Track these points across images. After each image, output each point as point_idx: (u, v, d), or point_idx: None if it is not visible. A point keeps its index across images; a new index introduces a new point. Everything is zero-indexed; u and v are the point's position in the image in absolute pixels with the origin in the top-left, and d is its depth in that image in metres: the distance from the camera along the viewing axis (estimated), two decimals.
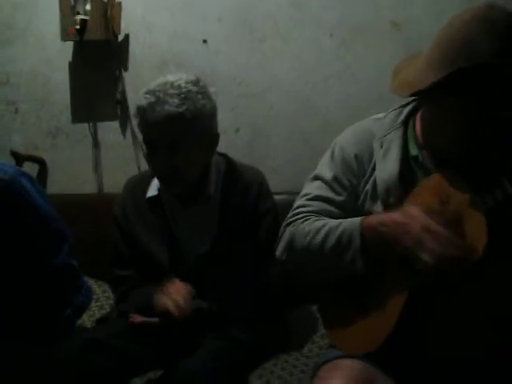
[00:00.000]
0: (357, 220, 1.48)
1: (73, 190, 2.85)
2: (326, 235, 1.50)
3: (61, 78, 2.86)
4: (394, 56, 2.46)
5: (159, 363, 1.89)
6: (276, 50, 2.66)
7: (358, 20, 2.59)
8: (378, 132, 1.58)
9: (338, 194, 1.59)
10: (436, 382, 1.46)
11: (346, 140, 1.62)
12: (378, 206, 1.52)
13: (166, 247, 1.98)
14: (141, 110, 1.85)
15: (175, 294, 1.83)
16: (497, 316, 1.44)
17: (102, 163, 2.89)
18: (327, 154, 1.65)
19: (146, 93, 1.85)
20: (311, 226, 1.55)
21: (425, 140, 1.52)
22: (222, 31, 2.70)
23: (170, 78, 1.88)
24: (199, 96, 1.86)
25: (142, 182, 2.07)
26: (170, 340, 1.88)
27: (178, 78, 1.88)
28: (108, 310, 2.32)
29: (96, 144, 2.88)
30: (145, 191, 2.03)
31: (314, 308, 2.21)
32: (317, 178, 1.64)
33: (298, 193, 1.71)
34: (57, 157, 2.90)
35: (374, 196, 1.54)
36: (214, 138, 1.96)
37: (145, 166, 2.68)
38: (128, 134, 2.84)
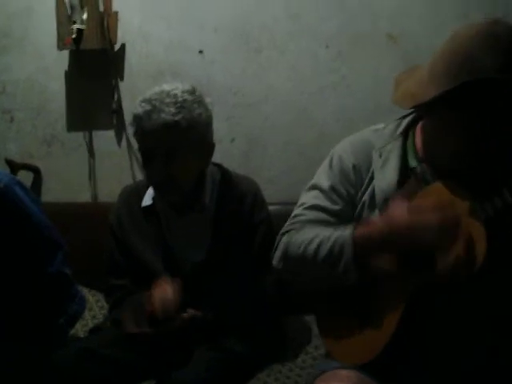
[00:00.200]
0: (348, 230, 1.48)
1: (68, 198, 2.84)
2: (319, 245, 1.50)
3: (57, 86, 2.86)
4: (389, 68, 2.48)
5: (153, 373, 1.89)
6: (272, 60, 2.67)
7: (354, 32, 2.60)
8: (376, 142, 1.58)
9: (335, 203, 1.59)
10: None
11: (344, 150, 1.62)
12: (376, 216, 1.52)
13: (160, 256, 1.98)
14: (137, 119, 1.86)
15: (165, 301, 1.82)
16: (495, 328, 1.44)
17: (97, 172, 2.88)
18: (325, 164, 1.65)
19: (142, 101, 1.85)
20: (305, 235, 1.55)
21: (425, 152, 1.52)
22: (218, 41, 2.71)
23: (167, 87, 1.88)
24: (195, 105, 1.87)
25: (137, 191, 2.07)
26: (163, 350, 1.88)
27: (175, 87, 1.88)
28: (101, 319, 2.30)
29: (91, 153, 2.88)
30: (140, 200, 2.03)
31: (308, 318, 2.21)
32: (314, 187, 1.64)
33: (293, 203, 1.71)
34: (52, 165, 2.89)
35: (372, 205, 1.54)
36: (210, 146, 1.97)
37: (140, 176, 2.68)
38: (123, 143, 2.84)
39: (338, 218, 1.58)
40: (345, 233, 1.47)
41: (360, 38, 2.59)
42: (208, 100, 1.95)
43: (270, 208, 2.08)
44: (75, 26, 2.63)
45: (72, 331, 2.14)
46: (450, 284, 1.36)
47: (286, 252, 1.57)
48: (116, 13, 2.69)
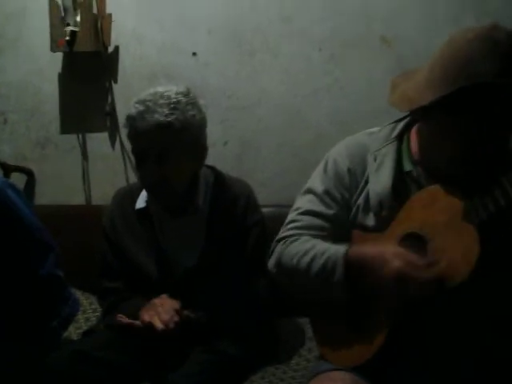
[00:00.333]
0: (342, 249, 1.48)
1: (61, 201, 2.83)
2: (312, 260, 1.51)
3: (50, 88, 2.86)
4: (383, 71, 2.49)
5: (146, 375, 1.88)
6: (265, 63, 2.67)
7: (348, 35, 2.61)
8: (371, 146, 1.59)
9: (330, 207, 1.59)
10: None
11: (339, 153, 1.63)
12: (371, 219, 1.53)
13: (154, 259, 1.97)
14: (130, 119, 1.86)
15: (162, 309, 1.81)
16: (491, 330, 1.45)
17: (91, 175, 2.88)
18: (320, 167, 1.66)
19: (136, 102, 1.86)
20: (299, 247, 1.56)
21: (420, 156, 1.52)
22: (211, 44, 2.71)
23: (161, 89, 1.89)
24: (189, 107, 1.87)
25: (130, 193, 2.07)
26: (157, 352, 1.88)
27: (169, 89, 1.89)
28: (95, 322, 2.30)
29: (85, 155, 2.88)
30: (133, 203, 2.03)
31: (301, 321, 2.21)
32: (309, 191, 1.64)
33: (286, 206, 1.72)
34: (45, 167, 2.89)
35: (367, 209, 1.54)
36: (203, 148, 1.97)
37: (133, 178, 2.68)
38: (117, 145, 2.84)
39: (333, 223, 1.58)
40: (338, 252, 1.48)
41: (353, 40, 2.60)
42: (202, 102, 1.95)
43: (264, 210, 2.08)
44: (69, 28, 2.63)
45: (65, 334, 2.14)
46: (440, 300, 1.38)
47: (280, 261, 1.58)
48: (110, 15, 2.69)
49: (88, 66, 2.79)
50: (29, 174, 2.87)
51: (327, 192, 1.60)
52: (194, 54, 2.73)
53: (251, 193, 2.05)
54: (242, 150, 2.73)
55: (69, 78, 2.84)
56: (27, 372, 1.81)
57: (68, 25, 2.64)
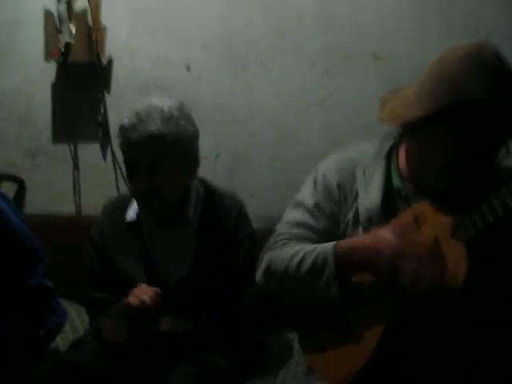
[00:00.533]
0: (330, 244, 1.50)
1: (51, 210, 2.83)
2: (302, 260, 1.51)
3: (43, 98, 2.86)
4: (375, 87, 2.51)
5: None
6: (259, 77, 2.69)
7: (341, 51, 2.63)
8: (361, 161, 1.60)
9: (319, 221, 1.60)
10: None
11: (329, 168, 1.64)
12: (360, 234, 1.54)
13: (143, 270, 1.97)
14: (123, 130, 1.86)
15: (138, 292, 1.83)
16: (479, 341, 1.45)
17: (82, 185, 2.88)
18: (309, 181, 1.67)
19: (130, 113, 1.86)
20: (288, 250, 1.57)
21: (409, 172, 1.53)
22: (205, 57, 2.72)
23: (155, 101, 1.90)
24: (182, 121, 1.88)
25: (121, 204, 2.07)
26: (144, 364, 1.87)
27: (163, 101, 1.90)
28: (82, 333, 2.29)
29: (76, 165, 2.87)
30: (123, 214, 2.03)
31: (290, 335, 2.21)
32: (299, 204, 1.65)
33: (277, 219, 1.72)
34: (36, 177, 2.88)
35: (356, 224, 1.55)
36: (195, 161, 1.97)
37: (124, 189, 2.67)
38: (108, 156, 2.84)
39: (322, 236, 1.59)
40: (328, 246, 1.49)
41: (346, 57, 2.62)
42: (194, 115, 1.96)
43: (254, 224, 2.08)
44: (63, 39, 2.64)
45: (53, 344, 2.12)
46: (428, 314, 1.39)
47: (269, 267, 1.59)
48: (104, 27, 2.70)
49: (81, 76, 2.79)
50: (19, 182, 2.85)
51: (317, 206, 1.61)
52: (188, 67, 2.74)
53: (242, 206, 2.06)
54: (233, 164, 2.74)
55: (62, 87, 2.84)
56: (14, 382, 1.80)
57: (63, 35, 2.65)
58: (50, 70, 2.82)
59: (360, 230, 1.54)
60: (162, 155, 1.85)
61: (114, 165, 2.82)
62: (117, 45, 2.76)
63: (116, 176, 2.82)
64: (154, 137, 1.83)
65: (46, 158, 2.90)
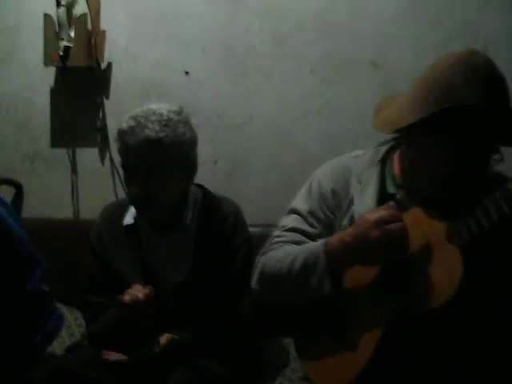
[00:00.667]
0: (321, 241, 1.51)
1: (49, 214, 2.83)
2: (294, 260, 1.52)
3: (42, 102, 2.86)
4: (373, 95, 2.51)
5: None
6: (257, 84, 2.69)
7: (340, 58, 2.63)
8: (355, 168, 1.61)
9: (314, 227, 1.61)
10: None
11: (323, 175, 1.65)
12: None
13: (141, 275, 1.97)
14: (121, 134, 1.87)
15: (132, 290, 1.82)
16: (473, 351, 1.46)
17: (80, 189, 2.88)
18: (305, 188, 1.68)
19: (129, 118, 1.87)
20: (280, 252, 1.58)
21: (403, 179, 1.55)
22: (204, 63, 2.73)
23: (154, 106, 1.91)
24: (180, 125, 1.88)
25: (119, 209, 2.07)
26: (141, 370, 1.87)
27: (162, 106, 1.91)
28: (79, 337, 2.29)
29: (74, 170, 2.88)
30: (121, 218, 2.03)
31: (286, 341, 2.21)
32: (293, 211, 1.66)
33: (274, 225, 1.73)
34: (34, 181, 2.88)
35: None
36: (193, 166, 1.98)
37: (122, 194, 2.68)
38: (107, 161, 2.84)
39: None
40: (318, 243, 1.51)
41: (345, 64, 2.62)
42: (194, 121, 1.97)
43: (251, 230, 2.08)
44: (62, 43, 2.65)
45: (49, 349, 2.12)
46: (425, 319, 1.39)
47: (263, 271, 1.60)
48: (104, 32, 2.70)
49: (80, 81, 2.79)
50: (17, 187, 2.84)
51: (311, 212, 1.62)
52: (187, 72, 2.74)
53: (239, 212, 2.06)
54: (232, 169, 2.74)
55: (61, 92, 2.84)
56: None
57: (62, 40, 2.65)
58: (49, 75, 2.83)
59: None
60: (160, 159, 1.86)
61: (112, 169, 2.83)
62: (116, 49, 2.77)
63: (114, 181, 2.83)
64: (151, 141, 1.83)
65: (44, 162, 2.90)
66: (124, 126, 1.87)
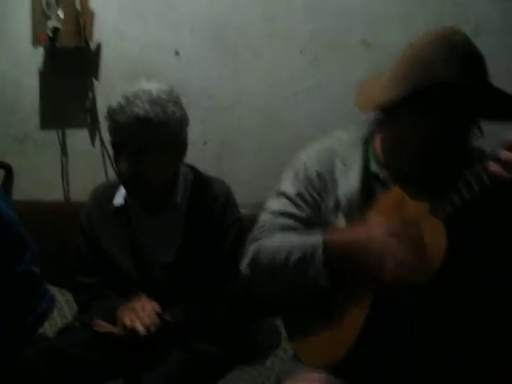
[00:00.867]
0: (319, 235, 1.50)
1: (39, 197, 2.82)
2: (290, 251, 1.52)
3: (31, 84, 2.84)
4: (364, 75, 2.43)
5: (121, 374, 1.88)
6: (247, 63, 2.67)
7: (330, 37, 2.62)
8: (339, 150, 1.62)
9: (302, 209, 1.61)
10: None
11: (309, 158, 1.66)
12: (341, 221, 1.55)
13: (131, 255, 1.97)
14: (111, 112, 1.87)
15: (143, 313, 1.80)
16: (459, 323, 1.48)
17: (70, 171, 2.87)
18: (290, 171, 1.68)
19: (119, 96, 1.87)
20: (275, 242, 1.57)
21: (385, 159, 1.56)
22: (193, 43, 2.71)
23: (145, 85, 1.90)
24: (170, 104, 1.88)
25: (109, 189, 2.07)
26: (132, 351, 1.87)
27: (153, 86, 1.91)
28: (70, 319, 2.29)
29: (64, 151, 2.86)
30: (111, 199, 2.03)
31: (278, 322, 2.22)
32: (281, 194, 1.66)
33: (264, 206, 1.72)
34: (24, 163, 2.87)
35: (337, 211, 1.56)
36: (183, 146, 1.98)
37: (113, 175, 2.67)
38: (97, 142, 2.83)
39: (306, 225, 1.60)
40: (316, 238, 1.50)
41: (335, 43, 2.61)
42: (184, 101, 1.96)
43: (242, 210, 2.09)
44: (51, 24, 2.62)
45: (41, 331, 2.13)
46: (411, 296, 1.40)
47: (256, 260, 1.60)
48: (92, 11, 2.68)
49: (69, 61, 2.77)
50: (7, 169, 2.84)
51: (299, 195, 1.62)
52: (177, 52, 2.72)
53: (230, 192, 2.06)
54: (221, 150, 2.74)
55: (50, 73, 2.82)
56: (1, 367, 1.80)
57: (50, 20, 2.63)
58: (37, 56, 2.80)
59: (341, 217, 1.55)
60: (148, 139, 1.86)
61: (102, 151, 2.82)
62: (105, 30, 2.74)
63: (104, 162, 2.82)
64: (140, 119, 1.83)
65: (34, 144, 2.88)
66: (114, 104, 1.87)
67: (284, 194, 1.65)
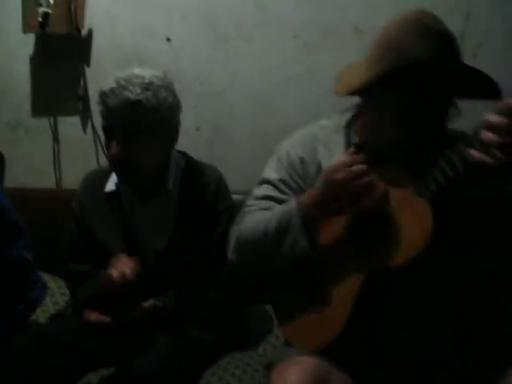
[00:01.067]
0: (293, 200, 1.54)
1: (31, 184, 2.82)
2: (268, 221, 1.54)
3: (22, 71, 2.83)
4: (356, 61, 2.49)
5: (113, 359, 1.89)
6: (239, 49, 2.66)
7: (322, 24, 2.60)
8: (322, 136, 1.65)
9: (285, 194, 1.63)
10: (390, 378, 1.49)
11: (291, 145, 1.68)
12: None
13: (123, 241, 1.98)
14: (102, 95, 1.88)
15: (119, 264, 1.83)
16: (448, 306, 1.49)
17: (62, 158, 2.87)
18: (274, 159, 1.70)
19: (111, 80, 1.87)
20: (253, 218, 1.60)
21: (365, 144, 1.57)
22: (185, 29, 2.70)
23: (137, 70, 1.91)
24: (162, 89, 1.88)
25: (100, 176, 2.07)
26: (124, 336, 1.88)
27: (145, 71, 1.91)
28: (63, 305, 2.30)
29: (56, 139, 2.86)
30: (103, 185, 2.03)
31: (270, 308, 2.22)
32: (264, 181, 1.69)
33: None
34: (16, 150, 2.86)
35: None
36: (174, 132, 1.98)
37: (105, 163, 2.66)
38: (89, 129, 2.83)
39: None
40: (290, 202, 1.54)
41: (327, 30, 2.60)
42: (177, 87, 1.96)
43: (234, 197, 2.09)
44: (41, 9, 2.60)
45: (33, 317, 2.13)
46: (399, 276, 1.41)
47: (239, 239, 1.61)
48: None
49: (61, 48, 2.76)
50: None
51: (282, 180, 1.65)
52: (169, 39, 2.71)
53: (222, 178, 2.07)
54: (214, 136, 2.73)
55: (41, 60, 2.81)
56: None
57: (41, 6, 2.61)
58: (28, 42, 2.80)
59: None
60: (139, 123, 1.86)
61: (94, 138, 2.81)
62: (96, 16, 2.74)
63: (96, 149, 2.81)
64: (130, 103, 1.83)
65: (25, 131, 2.88)
66: (106, 88, 1.87)
67: (267, 181, 1.67)
